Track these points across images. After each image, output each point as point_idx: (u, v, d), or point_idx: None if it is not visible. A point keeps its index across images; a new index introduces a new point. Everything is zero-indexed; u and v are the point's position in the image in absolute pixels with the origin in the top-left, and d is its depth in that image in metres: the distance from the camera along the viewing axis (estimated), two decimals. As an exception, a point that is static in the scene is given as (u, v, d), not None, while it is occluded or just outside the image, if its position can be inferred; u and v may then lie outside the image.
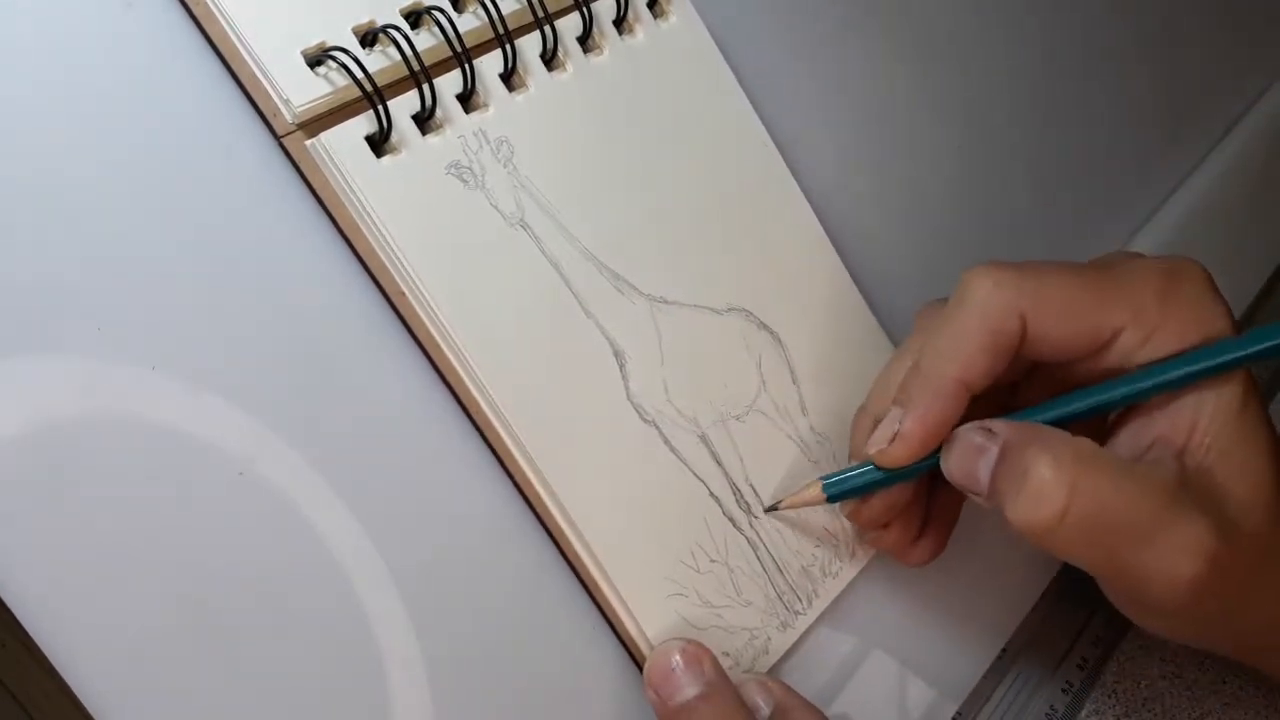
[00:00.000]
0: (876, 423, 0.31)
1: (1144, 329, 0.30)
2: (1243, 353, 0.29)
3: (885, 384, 0.32)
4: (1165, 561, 0.28)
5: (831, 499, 0.32)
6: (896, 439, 0.30)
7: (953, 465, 0.30)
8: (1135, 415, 0.31)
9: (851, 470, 0.32)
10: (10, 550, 0.23)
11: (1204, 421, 0.30)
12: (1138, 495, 0.28)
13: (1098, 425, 0.32)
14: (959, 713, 0.36)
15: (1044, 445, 0.28)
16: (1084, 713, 0.37)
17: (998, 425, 0.29)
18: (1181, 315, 0.30)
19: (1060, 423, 0.30)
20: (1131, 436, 0.31)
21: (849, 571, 0.34)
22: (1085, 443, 0.28)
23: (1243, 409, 0.30)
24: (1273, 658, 0.33)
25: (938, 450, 0.30)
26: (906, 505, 0.32)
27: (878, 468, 0.31)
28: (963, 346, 0.30)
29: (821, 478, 0.32)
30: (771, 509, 0.33)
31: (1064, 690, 0.37)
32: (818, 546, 0.34)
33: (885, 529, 0.33)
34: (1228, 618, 0.30)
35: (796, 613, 0.33)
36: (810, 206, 0.36)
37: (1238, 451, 0.29)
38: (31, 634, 0.23)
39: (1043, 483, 0.27)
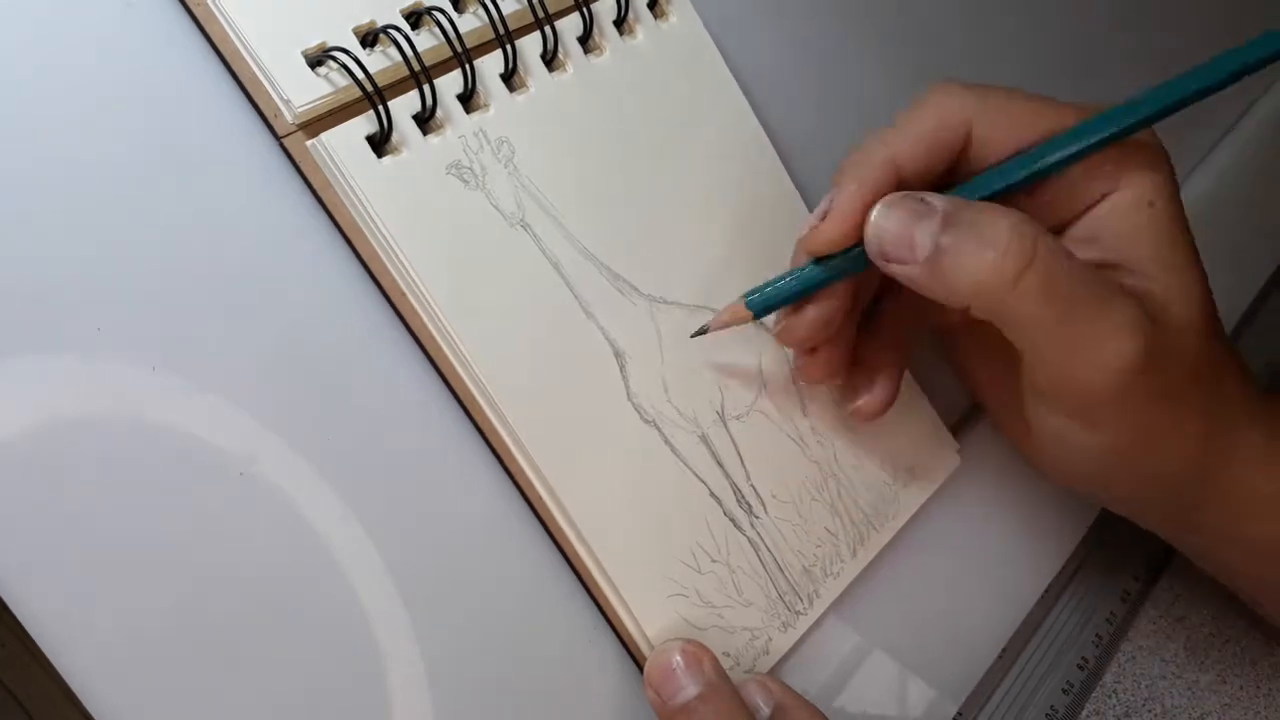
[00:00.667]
0: None
1: None
2: (1160, 104, 0.30)
3: None
4: (1110, 336, 0.28)
5: (757, 313, 0.31)
6: (827, 216, 0.30)
7: (884, 230, 0.29)
8: (1064, 240, 0.31)
9: (772, 281, 0.31)
10: (10, 550, 0.23)
11: (1134, 255, 0.30)
12: (1087, 268, 0.28)
13: None
14: (959, 713, 0.36)
15: (998, 209, 0.28)
16: (1084, 713, 0.37)
17: (931, 196, 0.29)
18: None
19: (985, 196, 0.30)
20: None
21: (851, 571, 0.34)
22: (1027, 215, 0.28)
23: (1173, 239, 0.30)
24: (1191, 515, 0.33)
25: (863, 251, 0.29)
26: (838, 326, 0.32)
27: (808, 257, 0.30)
28: (904, 134, 0.30)
29: (744, 293, 0.31)
30: (698, 333, 0.32)
31: (1064, 690, 0.37)
32: (819, 546, 0.34)
33: (815, 354, 0.32)
34: (1139, 432, 0.30)
35: (798, 613, 0.33)
36: (808, 205, 0.36)
37: (1168, 280, 0.30)
38: (31, 634, 0.23)
39: (1005, 234, 0.27)
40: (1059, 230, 0.32)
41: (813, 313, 0.31)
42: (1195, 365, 0.30)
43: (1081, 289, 0.28)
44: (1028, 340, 0.29)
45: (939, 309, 0.34)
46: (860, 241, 0.29)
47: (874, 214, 0.29)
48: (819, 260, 0.30)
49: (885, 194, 0.29)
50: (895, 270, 0.29)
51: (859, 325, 0.34)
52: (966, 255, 0.28)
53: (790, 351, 0.34)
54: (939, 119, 0.30)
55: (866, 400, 0.33)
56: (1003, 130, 0.31)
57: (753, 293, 0.31)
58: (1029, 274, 0.27)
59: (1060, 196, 0.31)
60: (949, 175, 0.31)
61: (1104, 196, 0.31)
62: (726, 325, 0.31)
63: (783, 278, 0.31)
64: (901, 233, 0.28)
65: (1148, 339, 0.28)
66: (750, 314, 0.31)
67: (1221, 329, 0.32)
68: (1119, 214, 0.31)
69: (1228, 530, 0.33)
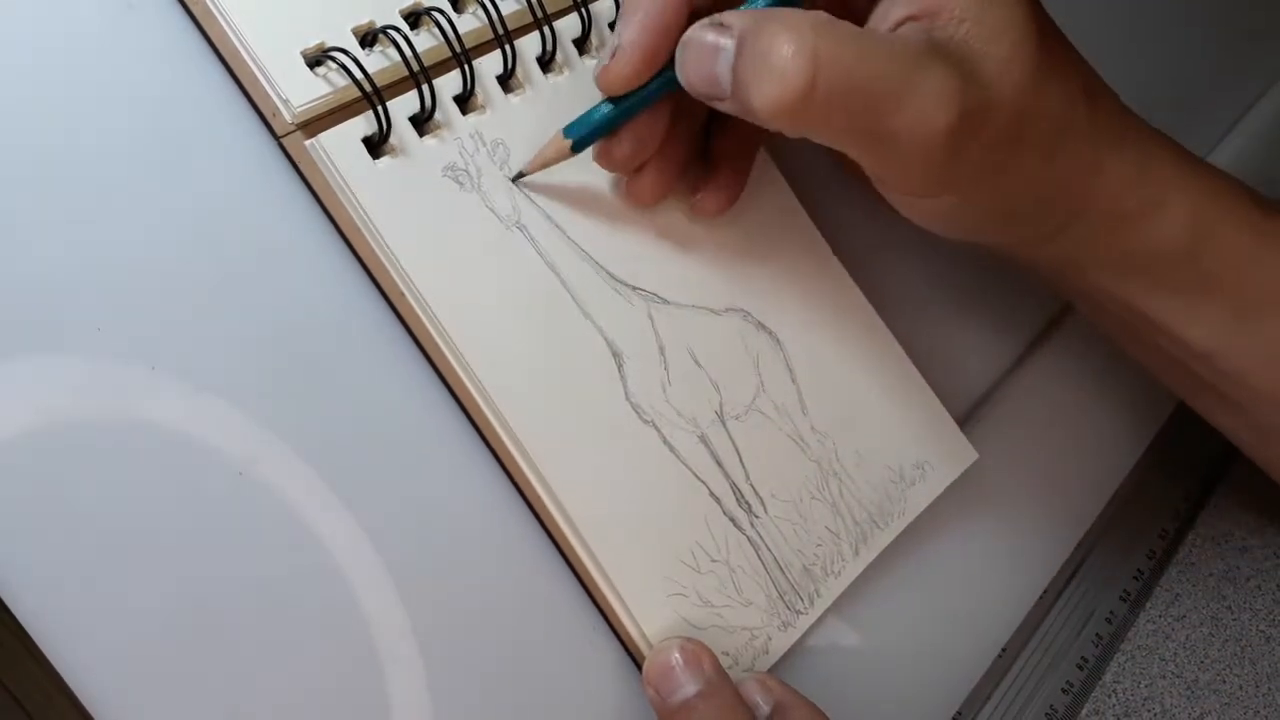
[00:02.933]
0: None
1: None
2: None
3: None
4: (918, 115, 0.27)
5: (576, 145, 0.29)
6: (617, 53, 0.28)
7: (689, 72, 0.28)
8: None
9: (590, 110, 0.29)
10: (10, 550, 0.23)
11: None
12: (884, 58, 0.27)
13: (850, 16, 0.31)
14: (959, 712, 0.36)
15: (781, 24, 0.27)
16: (1084, 712, 0.37)
17: (729, 17, 0.28)
18: None
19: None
20: (877, 19, 0.30)
21: (852, 571, 0.34)
22: (822, 15, 0.27)
23: None
24: (1020, 231, 0.33)
25: (670, 69, 0.28)
26: (661, 142, 0.31)
27: (606, 95, 0.29)
28: None
29: (562, 128, 0.29)
30: (518, 176, 0.30)
31: (1064, 690, 0.37)
32: (820, 545, 0.34)
33: (641, 174, 0.31)
34: (989, 184, 0.30)
35: (798, 612, 0.33)
36: (804, 204, 0.36)
37: (990, 17, 0.29)
38: (31, 634, 0.23)
39: (785, 59, 0.26)
40: None
41: (628, 133, 0.30)
42: (1027, 102, 0.29)
43: (880, 82, 0.27)
44: (840, 142, 0.28)
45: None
46: (665, 66, 0.29)
47: (678, 54, 0.28)
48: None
49: (673, 20, 0.28)
50: (717, 105, 0.28)
51: (702, 126, 0.33)
52: (754, 83, 0.27)
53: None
54: None
55: (704, 195, 0.33)
56: None
57: (570, 124, 0.29)
58: (816, 90, 0.26)
59: None
60: None
61: None
62: (548, 163, 0.30)
63: (599, 106, 0.29)
64: (705, 73, 0.28)
65: (960, 107, 0.27)
66: (568, 144, 0.29)
67: (1062, 48, 0.31)
68: None
69: (1097, 249, 0.33)
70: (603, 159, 0.30)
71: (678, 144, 0.32)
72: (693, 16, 0.28)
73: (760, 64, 0.27)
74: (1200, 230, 0.33)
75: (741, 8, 0.29)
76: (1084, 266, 0.34)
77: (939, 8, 0.29)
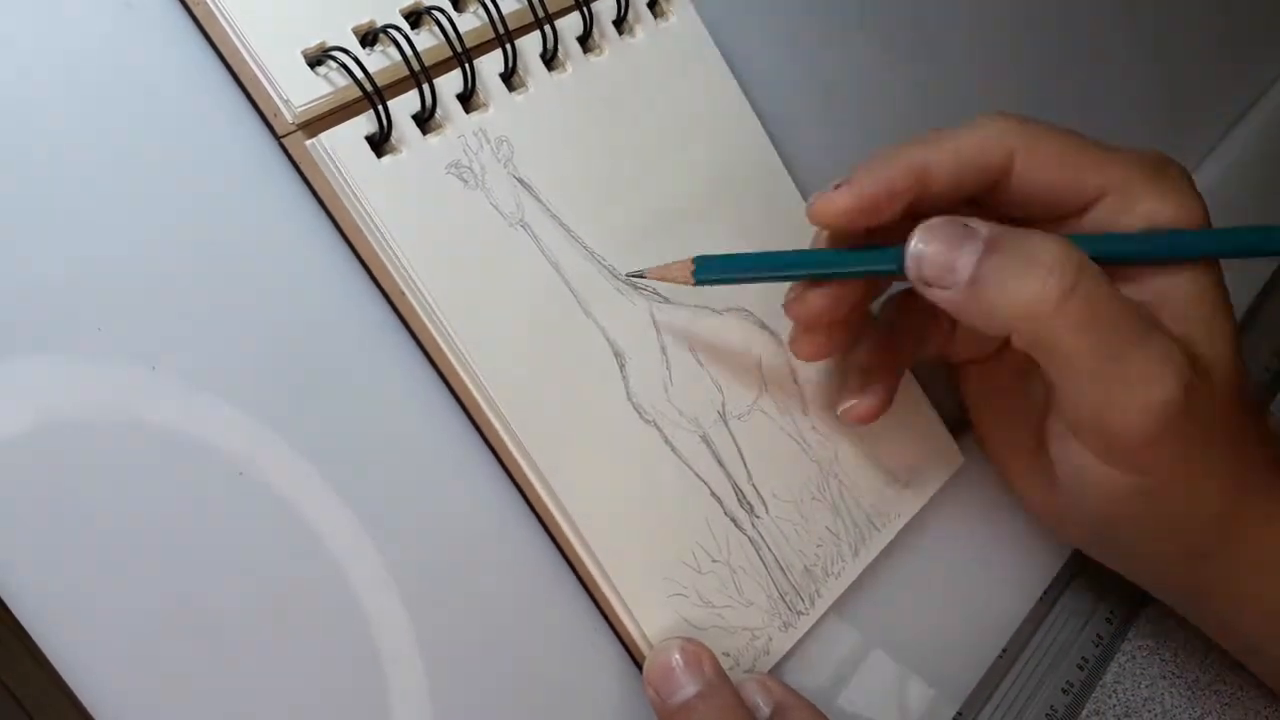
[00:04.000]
0: None
1: (1127, 200, 0.30)
2: (1232, 244, 0.30)
3: None
4: (1150, 371, 0.28)
5: (700, 279, 0.29)
6: (840, 187, 0.29)
7: (929, 251, 0.28)
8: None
9: (733, 255, 0.30)
10: (10, 550, 0.23)
11: (1176, 301, 0.30)
12: (1132, 303, 0.28)
13: None
14: (959, 713, 0.36)
15: (1047, 234, 0.27)
16: (1084, 713, 0.37)
17: (976, 222, 0.28)
18: (1164, 196, 0.30)
19: None
20: None
21: (852, 571, 0.34)
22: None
23: (1215, 295, 0.30)
24: (1203, 572, 0.33)
25: (874, 251, 0.29)
26: (845, 315, 0.31)
27: (813, 222, 0.29)
28: (942, 146, 0.30)
29: (695, 257, 0.30)
30: (636, 275, 0.30)
31: (1064, 690, 0.37)
32: (820, 546, 0.34)
33: (813, 333, 0.32)
34: (1176, 474, 0.30)
35: (799, 613, 0.33)
36: (810, 206, 0.36)
37: (1206, 329, 0.30)
38: (31, 634, 0.23)
39: (1055, 257, 0.27)
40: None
41: (824, 296, 0.30)
42: (1228, 415, 0.30)
43: (1124, 322, 0.28)
44: (1067, 372, 0.29)
45: (952, 339, 0.34)
46: (870, 244, 0.29)
47: (914, 238, 0.28)
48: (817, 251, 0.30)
49: (901, 190, 0.29)
50: (935, 295, 0.28)
51: (866, 325, 0.34)
52: (1010, 278, 0.27)
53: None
54: (981, 141, 0.30)
55: (858, 404, 0.33)
56: (1050, 172, 0.30)
57: (707, 262, 0.30)
58: (1073, 299, 0.27)
59: None
60: (975, 204, 0.31)
61: None
62: (666, 279, 0.30)
63: (745, 255, 0.30)
64: (943, 257, 0.28)
65: (1189, 379, 0.28)
66: (691, 282, 0.30)
67: (1247, 383, 0.32)
68: (1180, 293, 0.30)
69: (1234, 584, 0.33)
70: (795, 305, 0.31)
71: (855, 323, 0.33)
72: (925, 210, 0.29)
73: (1020, 257, 0.27)
74: None
75: None
76: (1214, 599, 0.34)
77: (1170, 304, 0.30)
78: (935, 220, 0.28)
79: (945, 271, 0.28)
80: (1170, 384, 0.28)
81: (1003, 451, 0.36)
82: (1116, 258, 0.30)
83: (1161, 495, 0.31)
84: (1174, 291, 0.30)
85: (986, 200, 0.31)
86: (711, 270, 0.30)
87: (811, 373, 0.34)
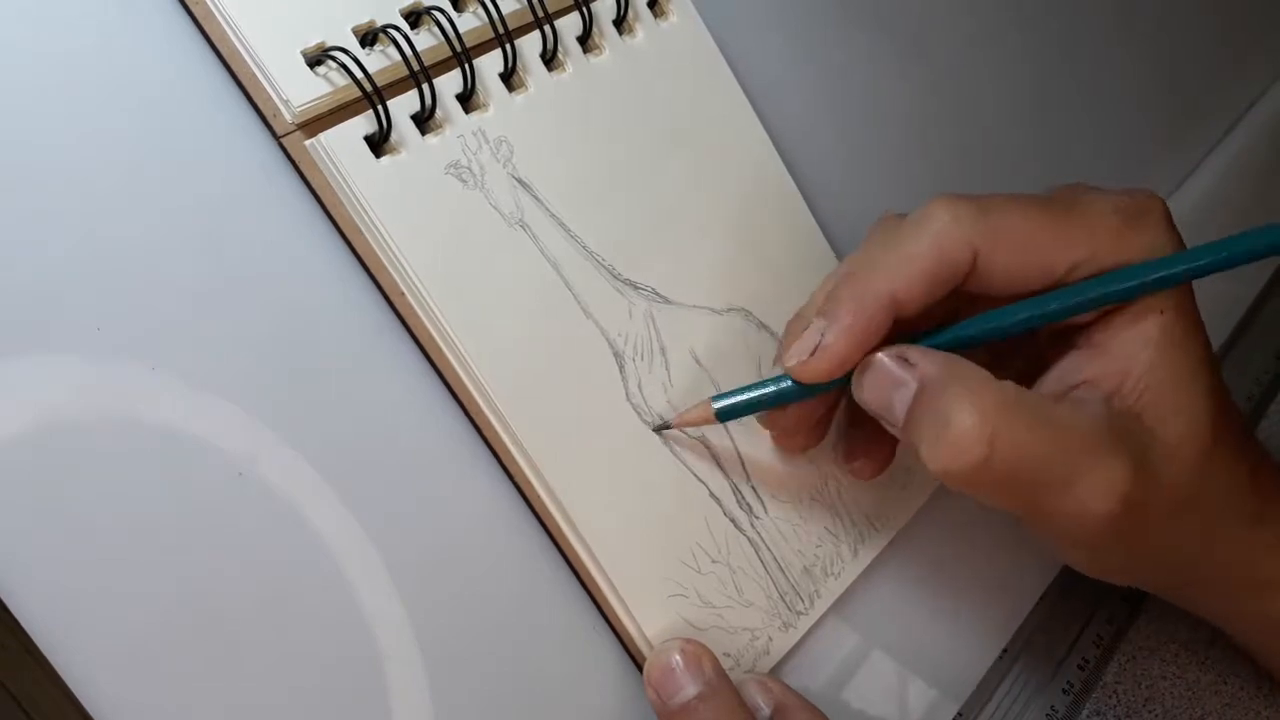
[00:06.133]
0: None
1: (1098, 265, 0.29)
2: (1182, 267, 0.29)
3: (824, 293, 0.31)
4: (1080, 503, 0.28)
5: (722, 418, 0.31)
6: (818, 351, 0.29)
7: (866, 393, 0.29)
8: (1070, 352, 0.30)
9: (745, 389, 0.30)
10: (10, 550, 0.23)
11: (1139, 365, 0.29)
12: (1058, 441, 0.27)
13: (1032, 359, 0.31)
14: (960, 713, 0.36)
15: (965, 388, 0.27)
16: (1084, 713, 0.37)
17: (914, 355, 0.28)
18: (1137, 249, 0.30)
19: (983, 340, 0.29)
20: (1061, 374, 0.30)
21: (852, 571, 0.34)
22: (1008, 386, 0.27)
23: (1182, 350, 0.29)
24: (1189, 593, 0.34)
25: (846, 376, 0.29)
26: (819, 418, 0.32)
27: (792, 380, 0.30)
28: (904, 268, 0.29)
29: (712, 397, 0.31)
30: (662, 427, 0.31)
31: (1064, 691, 0.37)
32: (820, 546, 0.34)
33: (793, 436, 0.33)
34: (1145, 554, 0.30)
35: (798, 613, 0.33)
36: (809, 206, 0.36)
37: (1171, 394, 0.29)
38: (31, 634, 0.22)
39: (964, 432, 0.26)
40: (1076, 334, 0.30)
41: (796, 413, 0.32)
42: (1193, 488, 0.30)
43: (1049, 467, 0.27)
44: (1007, 511, 0.29)
45: None
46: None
47: (858, 372, 0.29)
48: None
49: (877, 332, 0.29)
50: (885, 426, 0.29)
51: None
52: (927, 441, 0.27)
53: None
54: (940, 252, 0.29)
55: (861, 464, 0.33)
56: (1014, 260, 0.29)
57: (723, 398, 0.31)
58: (987, 469, 0.27)
59: None
60: (950, 300, 0.30)
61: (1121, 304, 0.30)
62: (690, 424, 0.31)
63: (756, 388, 0.30)
64: (882, 399, 0.28)
65: (1124, 497, 0.28)
66: (715, 419, 0.31)
67: (1236, 426, 0.31)
68: (1128, 320, 0.29)
69: (1233, 606, 0.34)
70: (766, 424, 0.32)
71: (829, 417, 0.33)
72: (894, 329, 0.29)
73: (937, 425, 0.27)
74: None
75: (931, 335, 0.30)
76: (1220, 617, 0.35)
77: (1123, 377, 0.29)
78: (874, 359, 0.29)
79: (885, 411, 0.29)
80: (1105, 505, 0.28)
81: None
82: (1066, 311, 0.29)
83: (1131, 563, 0.32)
84: (1136, 349, 0.29)
85: (961, 287, 0.30)
86: (729, 413, 0.31)
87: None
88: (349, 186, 0.27)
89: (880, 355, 0.29)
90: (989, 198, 0.30)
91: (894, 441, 0.33)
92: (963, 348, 0.29)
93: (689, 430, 0.31)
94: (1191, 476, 0.29)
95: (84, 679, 0.23)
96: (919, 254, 0.29)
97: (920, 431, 0.27)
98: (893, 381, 0.28)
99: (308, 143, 0.26)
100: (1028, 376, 0.30)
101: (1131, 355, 0.29)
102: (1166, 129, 0.32)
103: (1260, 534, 0.31)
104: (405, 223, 0.27)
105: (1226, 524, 0.31)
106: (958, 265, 0.29)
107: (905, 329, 0.29)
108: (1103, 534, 0.28)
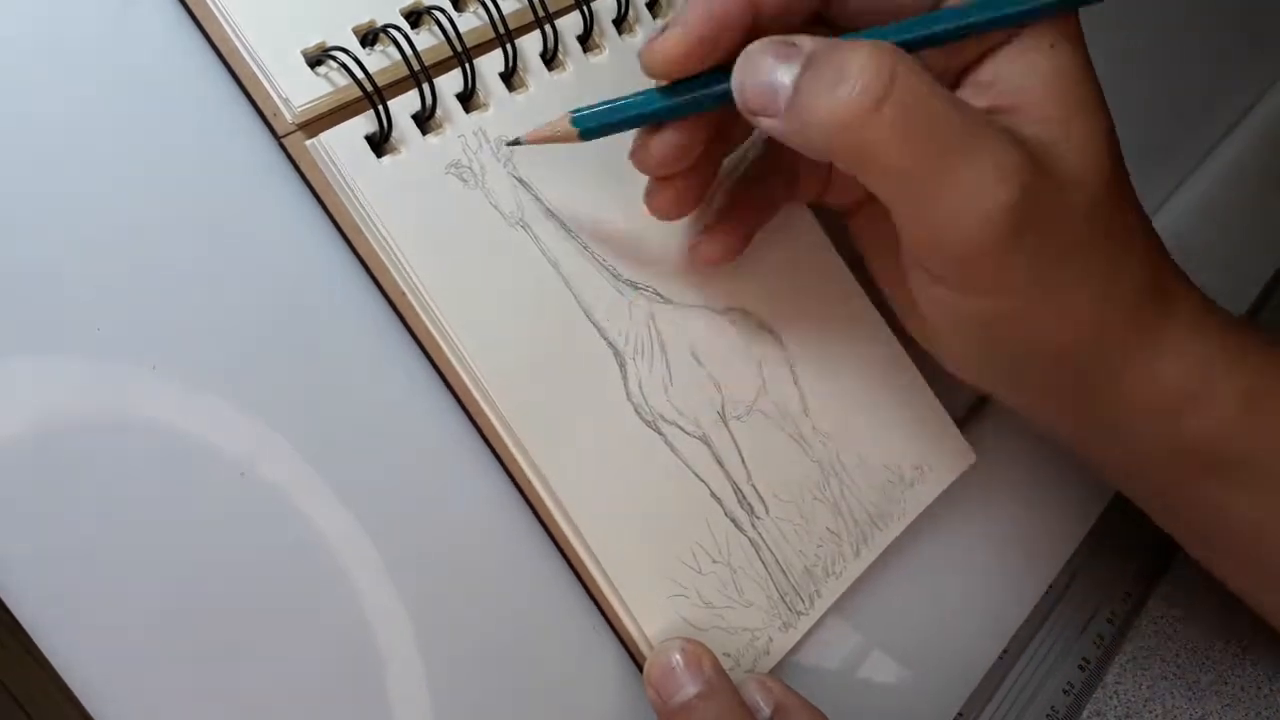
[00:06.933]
0: None
1: None
2: None
3: None
4: (979, 179, 0.25)
5: (583, 133, 0.28)
6: (668, 28, 0.26)
7: (746, 81, 0.26)
8: (964, 85, 0.29)
9: (611, 100, 0.28)
10: (10, 550, 0.23)
11: (1029, 98, 0.27)
12: (958, 107, 0.26)
13: None
14: (960, 713, 0.36)
15: (859, 43, 0.25)
16: (1085, 713, 0.37)
17: (801, 38, 0.26)
18: None
19: None
20: None
21: (853, 571, 0.34)
22: (902, 50, 0.25)
23: (1074, 82, 0.28)
24: (1061, 398, 0.31)
25: (718, 81, 0.27)
26: (696, 158, 0.29)
27: (647, 74, 0.27)
28: None
29: (572, 110, 0.28)
30: (514, 143, 0.29)
31: (1065, 691, 0.37)
32: (821, 546, 0.34)
33: (667, 183, 0.29)
34: (1034, 293, 0.28)
35: (799, 613, 0.33)
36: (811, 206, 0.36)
37: (1064, 127, 0.27)
38: (31, 634, 0.22)
39: (863, 66, 0.24)
40: (959, 76, 0.29)
41: (671, 137, 0.28)
42: (1089, 225, 0.27)
43: (948, 128, 0.25)
44: (894, 190, 0.26)
45: (829, 183, 0.32)
46: (708, 73, 0.27)
47: (738, 62, 0.26)
48: (664, 89, 0.28)
49: (738, 18, 0.26)
50: (764, 125, 0.26)
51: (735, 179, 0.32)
52: (822, 93, 0.25)
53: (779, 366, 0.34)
54: None
55: (708, 244, 0.31)
56: None
57: (583, 110, 0.28)
58: (885, 108, 0.24)
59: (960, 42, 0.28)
60: (821, 23, 0.29)
61: (1005, 39, 0.28)
62: (547, 140, 0.28)
63: (623, 99, 0.28)
64: (765, 80, 0.26)
65: (1025, 185, 0.25)
66: (576, 132, 0.28)
67: (1132, 194, 0.29)
68: (1015, 54, 0.28)
69: (1132, 426, 0.31)
70: (638, 153, 0.29)
71: (709, 166, 0.30)
72: (756, 32, 0.27)
73: (830, 72, 0.25)
74: (1251, 406, 0.30)
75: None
76: (1144, 466, 0.33)
77: (1019, 103, 0.27)
78: (757, 43, 0.26)
79: (768, 96, 0.26)
80: (1005, 189, 0.25)
81: (897, 300, 0.34)
82: (947, 35, 0.27)
83: (1025, 319, 0.28)
84: (1026, 82, 0.27)
85: (830, 16, 0.28)
86: (590, 120, 0.28)
87: (812, 373, 0.34)
88: (349, 186, 0.27)
89: (761, 40, 0.26)
90: None
91: (751, 231, 0.31)
92: None
93: (689, 430, 0.31)
94: (1093, 211, 0.27)
95: (84, 679, 0.23)
96: None
97: (813, 88, 0.25)
98: (776, 57, 0.26)
99: (308, 143, 0.26)
100: None
101: (1021, 89, 0.27)
102: (1166, 129, 0.32)
103: (1192, 331, 0.29)
104: (406, 222, 0.27)
105: (1134, 295, 0.29)
106: None
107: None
108: (1000, 230, 0.26)
